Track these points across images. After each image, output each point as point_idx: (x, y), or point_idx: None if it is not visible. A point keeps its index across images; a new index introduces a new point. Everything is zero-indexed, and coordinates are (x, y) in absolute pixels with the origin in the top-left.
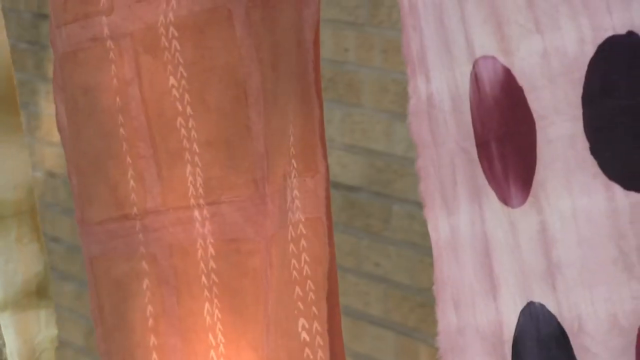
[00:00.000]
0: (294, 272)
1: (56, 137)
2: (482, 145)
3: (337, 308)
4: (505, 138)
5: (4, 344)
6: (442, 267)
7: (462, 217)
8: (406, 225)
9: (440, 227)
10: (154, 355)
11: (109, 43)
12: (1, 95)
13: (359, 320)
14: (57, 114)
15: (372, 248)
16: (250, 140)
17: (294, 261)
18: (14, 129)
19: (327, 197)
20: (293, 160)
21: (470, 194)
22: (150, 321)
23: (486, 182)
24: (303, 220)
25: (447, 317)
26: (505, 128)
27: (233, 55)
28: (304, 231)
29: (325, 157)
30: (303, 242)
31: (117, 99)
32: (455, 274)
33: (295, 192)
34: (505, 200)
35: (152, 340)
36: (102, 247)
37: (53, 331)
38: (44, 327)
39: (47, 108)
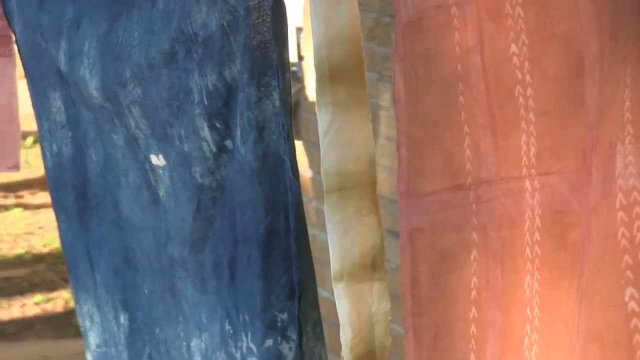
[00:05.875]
0: (623, 241)
1: None
2: None
3: None
4: None
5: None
6: None
7: None
8: None
9: None
10: (473, 328)
11: (454, 10)
12: (351, 67)
13: None
14: (394, 84)
15: None
16: (583, 110)
17: (623, 229)
18: (359, 101)
19: None
20: (628, 126)
21: None
22: (474, 293)
23: None
24: (639, 187)
25: None
26: None
27: (574, 23)
28: (638, 198)
29: None
30: (637, 209)
31: (458, 66)
32: None
33: (630, 158)
34: None
35: (473, 312)
36: (429, 218)
37: (386, 304)
38: (376, 299)
39: None
